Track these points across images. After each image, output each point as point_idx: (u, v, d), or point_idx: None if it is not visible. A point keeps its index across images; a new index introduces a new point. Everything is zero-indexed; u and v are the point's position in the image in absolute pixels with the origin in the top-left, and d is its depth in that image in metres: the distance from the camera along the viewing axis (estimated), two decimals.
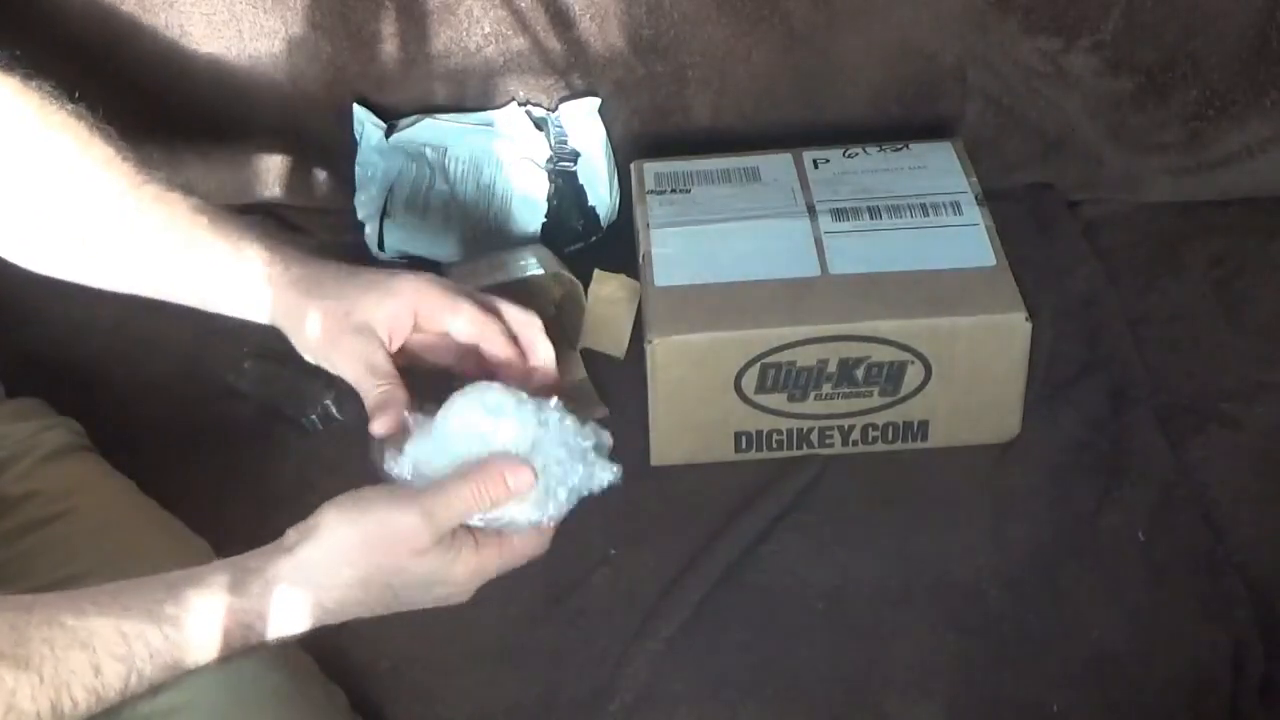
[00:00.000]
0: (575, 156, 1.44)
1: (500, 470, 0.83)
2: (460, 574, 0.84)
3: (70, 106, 0.95)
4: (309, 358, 0.93)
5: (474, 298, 0.93)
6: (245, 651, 0.80)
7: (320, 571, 0.80)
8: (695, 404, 1.22)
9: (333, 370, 0.92)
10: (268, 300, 0.93)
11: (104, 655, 0.74)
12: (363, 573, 0.81)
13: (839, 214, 1.29)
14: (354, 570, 0.81)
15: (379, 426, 0.88)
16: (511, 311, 0.93)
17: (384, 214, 1.44)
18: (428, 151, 1.43)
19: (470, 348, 0.92)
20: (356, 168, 1.45)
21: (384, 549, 0.81)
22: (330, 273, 0.93)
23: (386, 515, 0.81)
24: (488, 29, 1.41)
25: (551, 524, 0.88)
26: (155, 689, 0.77)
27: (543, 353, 0.92)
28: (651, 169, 1.37)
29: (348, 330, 0.90)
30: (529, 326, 0.93)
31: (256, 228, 0.96)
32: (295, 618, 0.80)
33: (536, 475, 0.85)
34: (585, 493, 0.89)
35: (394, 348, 0.91)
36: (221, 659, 0.79)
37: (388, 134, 1.44)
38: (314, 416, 1.28)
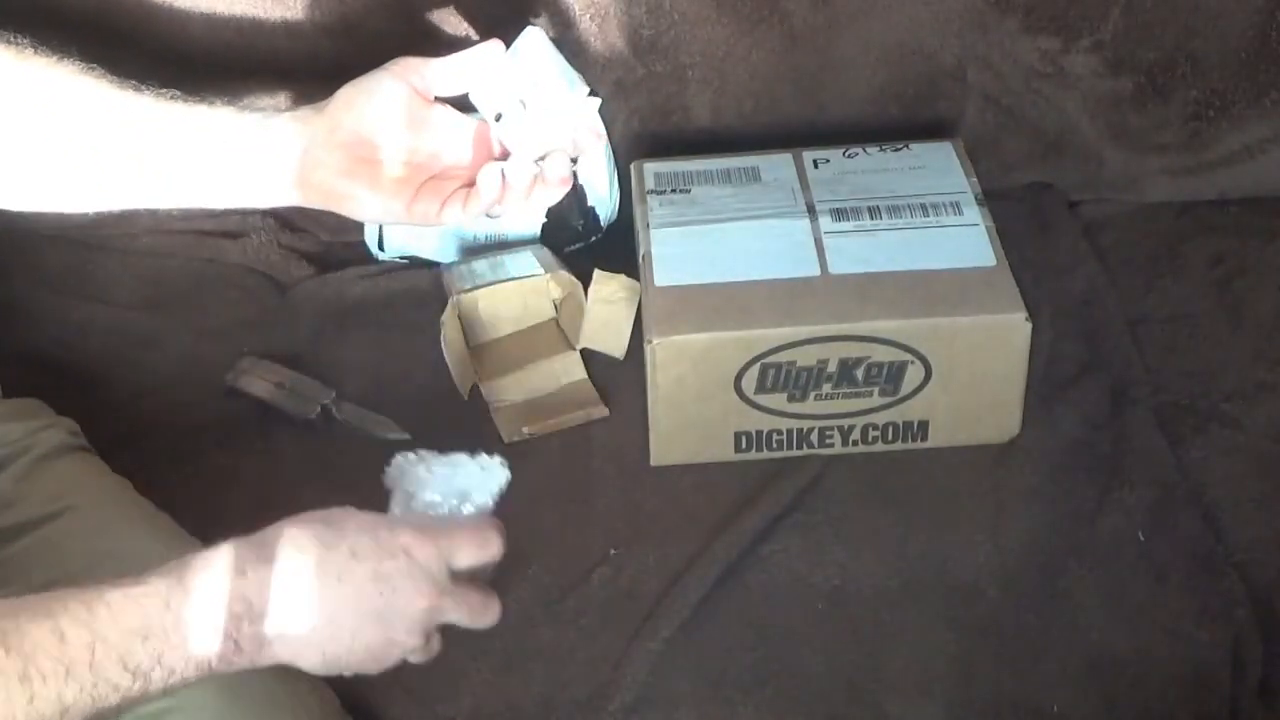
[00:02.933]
0: (575, 157, 1.44)
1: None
2: (405, 541, 0.87)
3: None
4: (317, 201, 0.95)
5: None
6: (230, 652, 0.81)
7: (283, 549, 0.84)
8: (695, 404, 1.22)
9: (350, 199, 0.95)
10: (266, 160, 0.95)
11: (67, 623, 0.76)
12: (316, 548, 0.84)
13: (839, 214, 1.29)
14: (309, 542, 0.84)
15: None
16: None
17: None
18: None
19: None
20: None
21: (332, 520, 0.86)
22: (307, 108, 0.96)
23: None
24: (488, 29, 1.41)
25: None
26: (137, 674, 0.78)
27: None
28: (651, 169, 1.37)
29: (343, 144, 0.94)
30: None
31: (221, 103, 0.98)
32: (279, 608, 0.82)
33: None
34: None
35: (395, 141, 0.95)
36: (200, 648, 0.80)
37: None
38: (314, 416, 1.29)
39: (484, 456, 0.98)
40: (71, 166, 0.94)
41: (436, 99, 0.95)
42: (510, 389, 1.31)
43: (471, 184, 0.94)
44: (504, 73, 0.95)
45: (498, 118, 0.94)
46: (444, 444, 1.27)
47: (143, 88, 0.95)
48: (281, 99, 1.44)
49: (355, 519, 0.87)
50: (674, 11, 1.40)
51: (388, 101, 0.93)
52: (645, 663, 1.09)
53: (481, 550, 0.90)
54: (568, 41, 1.42)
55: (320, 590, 0.83)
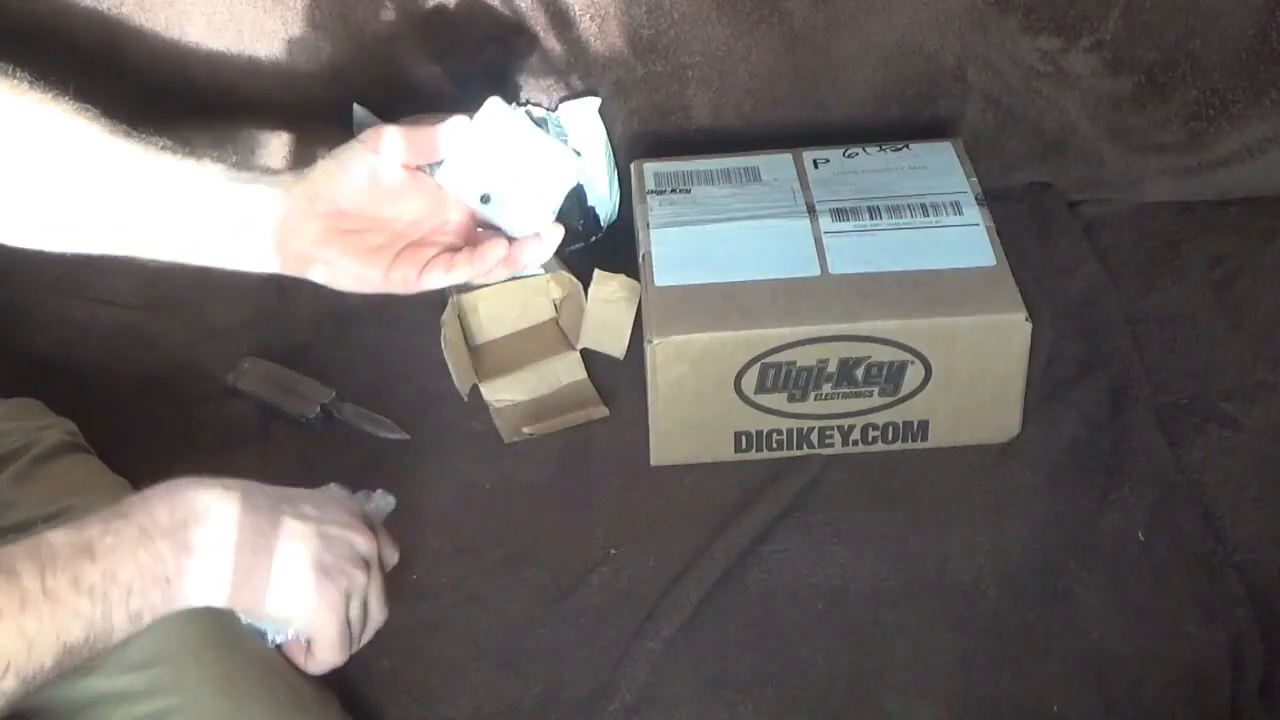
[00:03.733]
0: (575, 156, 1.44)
1: None
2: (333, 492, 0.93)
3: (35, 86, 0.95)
4: (293, 268, 0.95)
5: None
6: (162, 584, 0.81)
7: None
8: (695, 404, 1.22)
9: (325, 265, 0.94)
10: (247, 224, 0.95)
11: (16, 560, 0.75)
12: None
13: (839, 214, 1.29)
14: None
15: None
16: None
17: None
18: None
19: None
20: None
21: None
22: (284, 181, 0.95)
23: None
24: (488, 29, 1.41)
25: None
26: (93, 595, 0.77)
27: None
28: (651, 169, 1.37)
29: (318, 215, 0.93)
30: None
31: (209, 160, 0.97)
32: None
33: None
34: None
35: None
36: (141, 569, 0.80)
37: None
38: (314, 416, 1.29)
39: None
40: (52, 208, 0.95)
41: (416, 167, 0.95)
42: (510, 389, 1.31)
43: (453, 249, 0.94)
44: (477, 153, 0.93)
45: (484, 199, 0.94)
46: (444, 444, 1.28)
47: (133, 134, 0.94)
48: (282, 100, 1.44)
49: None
50: (674, 11, 1.40)
51: (363, 173, 0.93)
52: (645, 663, 1.09)
53: (390, 546, 0.94)
54: (568, 41, 1.42)
55: (256, 505, 0.85)
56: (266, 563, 0.84)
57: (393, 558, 0.94)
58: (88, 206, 0.95)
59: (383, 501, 0.98)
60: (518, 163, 0.94)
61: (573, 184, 0.96)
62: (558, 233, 0.94)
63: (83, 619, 0.76)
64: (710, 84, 1.45)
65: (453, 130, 0.93)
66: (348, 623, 0.89)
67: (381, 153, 0.93)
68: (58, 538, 0.77)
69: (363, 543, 0.89)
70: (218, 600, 0.83)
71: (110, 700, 0.93)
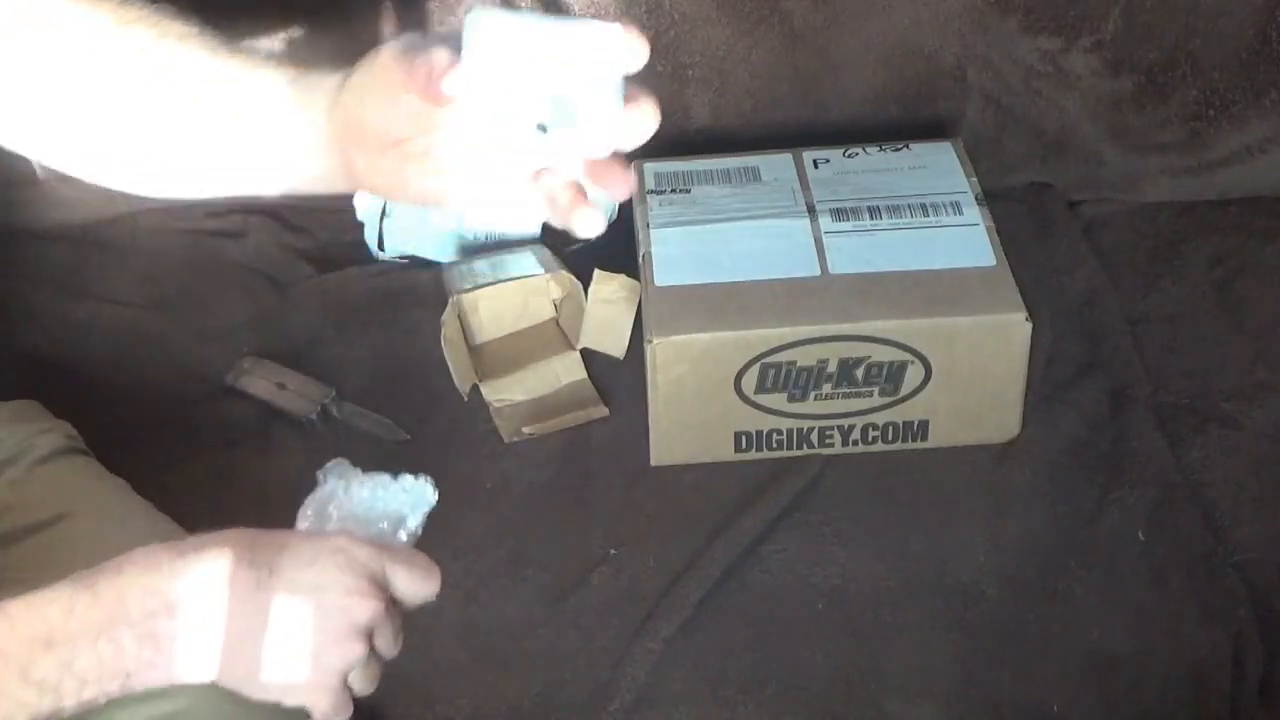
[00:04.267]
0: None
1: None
2: (340, 543, 0.80)
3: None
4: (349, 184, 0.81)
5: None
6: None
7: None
8: (695, 404, 1.22)
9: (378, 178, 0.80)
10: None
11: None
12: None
13: (839, 214, 1.29)
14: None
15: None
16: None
17: (384, 214, 1.44)
18: None
19: None
20: None
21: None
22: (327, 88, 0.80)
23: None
24: None
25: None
26: (43, 687, 0.73)
27: None
28: (651, 169, 1.37)
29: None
30: None
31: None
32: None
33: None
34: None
35: None
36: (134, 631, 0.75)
37: None
38: (314, 416, 1.29)
39: (408, 478, 0.90)
40: (152, 152, 0.86)
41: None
42: (510, 389, 1.31)
43: None
44: (495, 83, 0.71)
45: (541, 129, 0.72)
46: (444, 444, 1.28)
47: (238, 49, 0.85)
48: None
49: (288, 531, 0.82)
50: (674, 11, 1.40)
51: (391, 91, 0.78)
52: (645, 663, 1.09)
53: (423, 580, 0.82)
54: None
55: (244, 580, 0.76)
56: (256, 643, 0.77)
57: (423, 591, 0.82)
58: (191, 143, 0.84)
59: (413, 518, 0.88)
60: (549, 66, 0.70)
61: (623, 57, 0.72)
62: (649, 111, 0.75)
63: (27, 710, 0.72)
64: (710, 84, 1.45)
65: (453, 85, 0.71)
66: (345, 689, 0.82)
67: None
68: (18, 611, 0.73)
69: (364, 612, 0.79)
70: (205, 678, 0.78)
71: (117, 701, 0.92)
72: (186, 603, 0.75)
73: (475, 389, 1.31)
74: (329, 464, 0.90)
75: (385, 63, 0.77)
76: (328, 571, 0.78)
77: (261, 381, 1.32)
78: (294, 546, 0.79)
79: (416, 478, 0.89)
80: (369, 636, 0.79)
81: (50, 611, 0.73)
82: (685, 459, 1.25)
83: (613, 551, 1.18)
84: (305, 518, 0.88)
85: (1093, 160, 1.50)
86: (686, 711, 1.07)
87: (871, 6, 1.41)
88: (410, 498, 0.89)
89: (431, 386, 1.31)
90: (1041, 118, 1.48)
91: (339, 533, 0.84)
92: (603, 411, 1.29)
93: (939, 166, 1.35)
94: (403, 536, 0.88)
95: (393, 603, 0.81)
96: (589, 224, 0.78)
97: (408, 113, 0.76)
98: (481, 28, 0.70)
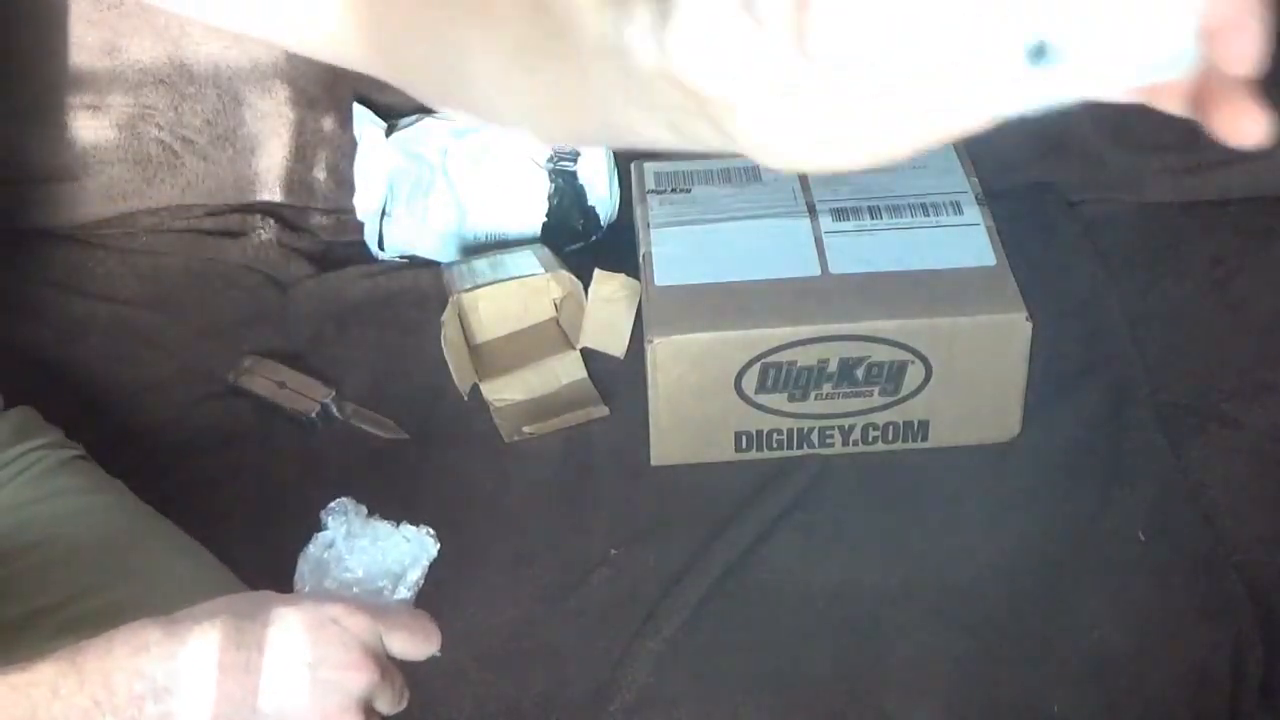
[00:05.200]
0: (575, 156, 1.44)
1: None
2: (334, 611, 0.77)
3: None
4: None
5: None
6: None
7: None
8: (695, 404, 1.22)
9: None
10: None
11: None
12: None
13: (839, 214, 1.29)
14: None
15: None
16: None
17: (384, 214, 1.44)
18: (428, 151, 1.43)
19: None
20: (356, 168, 1.45)
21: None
22: None
23: None
24: None
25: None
26: None
27: None
28: (651, 169, 1.37)
29: None
30: None
31: None
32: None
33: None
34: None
35: None
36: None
37: (388, 134, 1.44)
38: (314, 415, 1.29)
39: (409, 528, 0.88)
40: None
41: None
42: (510, 388, 1.31)
43: None
44: None
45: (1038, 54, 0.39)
46: (444, 444, 1.28)
47: None
48: (282, 100, 1.44)
49: (279, 596, 0.79)
50: None
51: None
52: (645, 663, 1.09)
53: (422, 641, 0.80)
54: None
55: (232, 662, 0.73)
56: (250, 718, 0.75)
57: (422, 652, 0.81)
58: None
59: (414, 571, 0.86)
60: None
61: None
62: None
63: None
64: None
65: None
66: None
67: None
68: (1, 693, 0.71)
69: (360, 685, 0.77)
70: None
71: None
72: (174, 688, 0.73)
73: (475, 389, 1.31)
74: (332, 504, 0.89)
75: None
76: (320, 646, 0.75)
77: (262, 380, 1.32)
78: (285, 620, 0.75)
79: (418, 528, 0.88)
80: (367, 706, 0.78)
81: (35, 694, 0.71)
82: (685, 459, 1.25)
83: (613, 551, 1.18)
84: (303, 576, 0.87)
85: (1093, 160, 1.50)
86: (686, 711, 1.07)
87: None
88: (412, 549, 0.88)
89: (431, 386, 1.31)
90: (1041, 118, 1.47)
91: (334, 597, 0.81)
92: (603, 411, 1.29)
93: (939, 166, 1.35)
94: (403, 592, 0.87)
95: (391, 664, 0.79)
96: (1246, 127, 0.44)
97: None
98: None
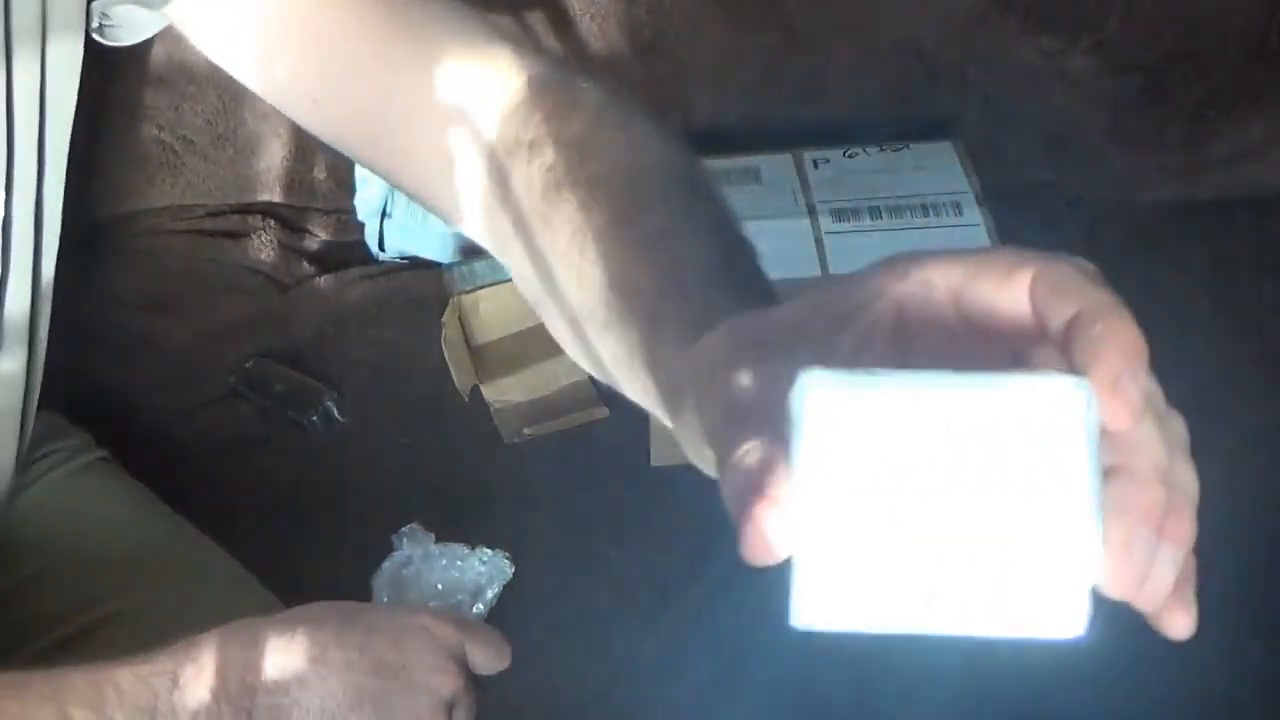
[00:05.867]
0: None
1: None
2: (423, 620, 0.81)
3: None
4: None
5: None
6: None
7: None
8: None
9: None
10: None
11: (74, 706, 0.72)
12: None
13: (839, 214, 1.29)
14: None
15: None
16: None
17: (384, 214, 1.44)
18: None
19: None
20: (357, 168, 1.44)
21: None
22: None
23: None
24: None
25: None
26: None
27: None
28: None
29: None
30: None
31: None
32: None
33: None
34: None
35: None
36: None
37: None
38: (314, 417, 1.29)
39: (485, 550, 0.94)
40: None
41: None
42: (510, 389, 1.31)
43: None
44: None
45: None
46: (444, 444, 1.28)
47: None
48: None
49: (370, 605, 0.83)
50: (674, 11, 1.40)
51: None
52: (646, 663, 1.09)
53: (496, 656, 0.84)
54: (568, 41, 1.42)
55: (336, 661, 0.78)
56: None
57: (496, 666, 0.84)
58: None
59: (490, 590, 0.92)
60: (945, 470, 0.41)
61: None
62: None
63: None
64: (710, 84, 1.45)
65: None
66: None
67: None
68: (123, 680, 0.74)
69: (448, 689, 0.80)
70: None
71: None
72: (284, 682, 0.76)
73: (475, 389, 1.31)
74: (404, 529, 0.93)
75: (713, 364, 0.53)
76: (414, 651, 0.80)
77: (263, 382, 1.32)
78: (380, 626, 0.80)
79: (494, 551, 0.92)
80: (450, 712, 0.81)
81: (157, 684, 0.74)
82: (685, 459, 1.25)
83: (613, 552, 1.18)
84: (382, 588, 0.90)
85: (1093, 160, 1.50)
86: (686, 711, 1.07)
87: (871, 6, 1.41)
88: (488, 570, 0.93)
89: (432, 386, 1.31)
90: (1042, 118, 1.48)
91: (420, 608, 0.86)
92: (603, 411, 1.29)
93: (939, 166, 1.35)
94: (479, 608, 0.92)
95: (472, 677, 0.82)
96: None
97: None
98: (818, 408, 0.41)
